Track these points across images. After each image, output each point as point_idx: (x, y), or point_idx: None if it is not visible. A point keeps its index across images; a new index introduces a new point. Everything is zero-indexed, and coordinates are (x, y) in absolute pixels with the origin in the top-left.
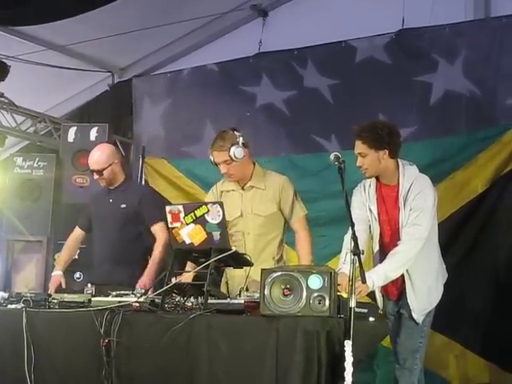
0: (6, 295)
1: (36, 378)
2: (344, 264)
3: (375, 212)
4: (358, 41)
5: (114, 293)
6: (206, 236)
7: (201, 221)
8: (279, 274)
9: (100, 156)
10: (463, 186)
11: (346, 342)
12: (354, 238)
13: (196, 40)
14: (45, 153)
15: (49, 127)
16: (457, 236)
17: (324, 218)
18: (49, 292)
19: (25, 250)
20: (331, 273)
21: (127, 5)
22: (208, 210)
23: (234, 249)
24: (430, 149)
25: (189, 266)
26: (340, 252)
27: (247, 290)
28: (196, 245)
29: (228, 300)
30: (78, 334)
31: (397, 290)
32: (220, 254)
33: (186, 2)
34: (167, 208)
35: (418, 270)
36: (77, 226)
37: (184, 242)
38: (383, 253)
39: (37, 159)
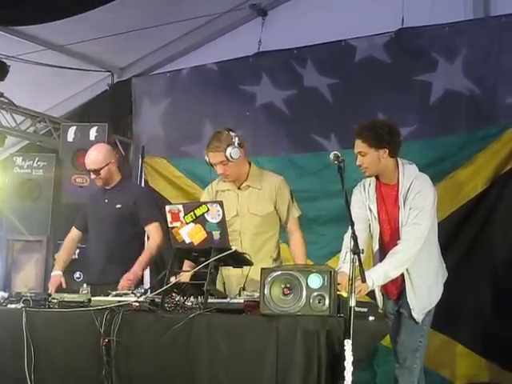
0: (5, 295)
1: (36, 378)
2: (344, 263)
3: (375, 211)
4: (358, 40)
5: (113, 292)
6: (205, 235)
7: (200, 220)
8: (279, 273)
9: (97, 156)
10: (463, 185)
11: (345, 341)
12: (354, 237)
13: (195, 39)
14: (44, 152)
15: (48, 127)
16: (457, 235)
17: (324, 217)
18: (49, 292)
19: (24, 250)
20: (331, 272)
21: (127, 4)
22: (208, 210)
23: (233, 248)
24: (429, 148)
25: (186, 265)
26: (340, 251)
27: (244, 289)
28: (196, 244)
29: (228, 299)
30: (77, 333)
31: (397, 289)
32: (220, 254)
33: (185, 2)
34: (167, 207)
35: (418, 269)
36: (73, 227)
37: (184, 241)
38: (383, 252)
39: (36, 159)
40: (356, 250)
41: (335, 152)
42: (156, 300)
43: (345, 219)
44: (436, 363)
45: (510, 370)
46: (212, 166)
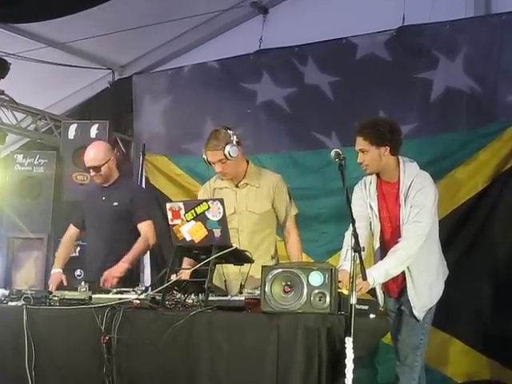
0: (6, 292)
1: (37, 375)
2: (345, 261)
3: (376, 209)
4: (359, 38)
5: (114, 290)
6: (206, 233)
7: (201, 218)
8: (280, 270)
9: (96, 153)
10: (464, 183)
11: (346, 338)
12: (355, 234)
13: (196, 37)
14: (45, 150)
15: (49, 124)
16: (457, 233)
17: (324, 214)
18: (49, 289)
19: (25, 248)
20: (332, 269)
21: (127, 2)
22: (208, 207)
23: (234, 246)
24: (430, 146)
25: (185, 262)
26: (340, 249)
27: (241, 286)
28: (196, 242)
29: (229, 297)
30: (78, 331)
31: (397, 286)
32: (221, 251)
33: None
34: (168, 205)
35: (419, 266)
36: (71, 224)
37: (184, 239)
38: (384, 250)
39: (37, 156)
40: (357, 248)
41: (336, 150)
42: (157, 298)
43: (345, 217)
44: (437, 361)
45: (511, 368)
46: (210, 164)
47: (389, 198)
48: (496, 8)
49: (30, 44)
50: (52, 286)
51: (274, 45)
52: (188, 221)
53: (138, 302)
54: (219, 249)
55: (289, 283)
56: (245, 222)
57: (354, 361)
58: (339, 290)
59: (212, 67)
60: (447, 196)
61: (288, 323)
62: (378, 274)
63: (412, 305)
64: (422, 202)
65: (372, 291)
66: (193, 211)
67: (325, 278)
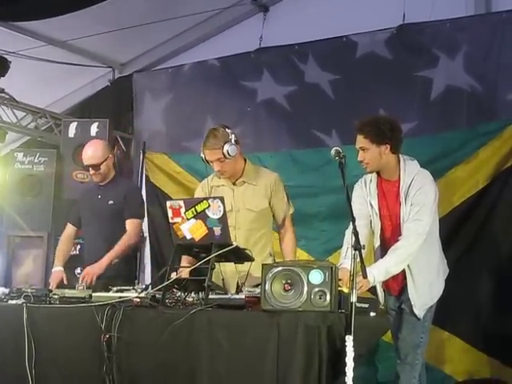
0: (6, 291)
1: (37, 374)
2: (345, 259)
3: (376, 207)
4: (359, 36)
5: (114, 288)
6: (206, 231)
7: (201, 216)
8: (280, 269)
9: (95, 151)
10: (464, 182)
11: (347, 337)
12: (355, 233)
13: (197, 35)
14: (45, 148)
15: (49, 123)
16: (458, 231)
17: (325, 213)
18: (50, 287)
19: (25, 246)
20: (332, 268)
21: (128, 0)
22: (209, 205)
23: (234, 244)
24: (430, 144)
25: (185, 260)
26: (341, 247)
27: (238, 285)
28: (197, 240)
29: (229, 295)
30: (78, 329)
31: (398, 285)
32: (221, 250)
33: None
34: (168, 203)
35: (419, 265)
36: (68, 223)
37: (185, 237)
38: (384, 248)
39: (37, 155)
40: (357, 246)
41: (336, 148)
42: (157, 296)
43: (346, 215)
44: (437, 359)
45: (511, 366)
46: (208, 162)
47: (389, 196)
48: (496, 6)
49: (31, 42)
50: (52, 284)
51: (274, 43)
52: (188, 219)
53: (138, 300)
54: (219, 247)
55: (289, 281)
56: (242, 220)
57: (355, 359)
58: (339, 288)
59: (212, 65)
60: (447, 194)
61: (288, 321)
62: (379, 272)
63: (412, 303)
64: (423, 200)
65: (372, 289)
66: (193, 209)
67: (325, 276)
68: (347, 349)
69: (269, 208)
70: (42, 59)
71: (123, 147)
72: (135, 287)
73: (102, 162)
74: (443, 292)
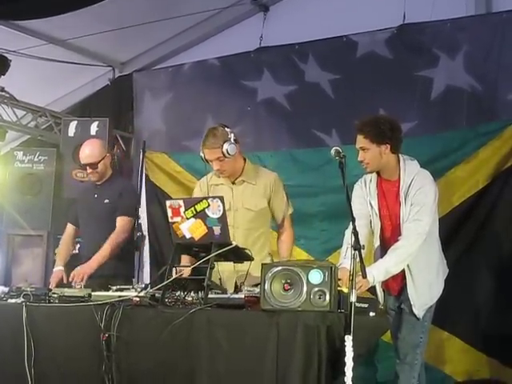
0: (6, 289)
1: (36, 373)
2: (345, 259)
3: (376, 207)
4: (360, 36)
5: (114, 287)
6: (206, 230)
7: (201, 215)
8: (280, 268)
9: (92, 150)
10: (464, 181)
11: (346, 336)
12: (355, 232)
13: (197, 34)
14: (45, 147)
15: (49, 121)
16: (457, 231)
17: (325, 212)
18: (50, 286)
19: (25, 245)
20: (332, 267)
21: None
22: (208, 205)
23: (234, 243)
24: (430, 144)
25: (184, 259)
26: (340, 247)
27: (236, 285)
28: (196, 239)
29: (228, 295)
30: (78, 328)
31: (397, 285)
32: (220, 249)
33: None
34: (168, 202)
35: (419, 265)
36: (68, 223)
37: (184, 236)
38: (384, 248)
39: (37, 153)
40: (357, 246)
41: (336, 147)
42: (156, 295)
43: (346, 215)
44: (437, 359)
45: (511, 367)
46: (208, 162)
47: (389, 196)
48: (497, 6)
49: (31, 41)
50: (52, 283)
51: (274, 42)
52: (188, 218)
53: (137, 299)
54: (219, 246)
55: (288, 281)
56: (240, 219)
57: (354, 359)
58: (339, 288)
59: (213, 65)
60: (447, 194)
61: (288, 321)
62: (378, 272)
63: (412, 303)
64: (423, 200)
65: (372, 289)
66: (193, 209)
67: (324, 276)
68: (346, 349)
69: (268, 207)
70: (43, 58)
71: (123, 146)
72: (134, 286)
73: (100, 161)
74: (443, 292)
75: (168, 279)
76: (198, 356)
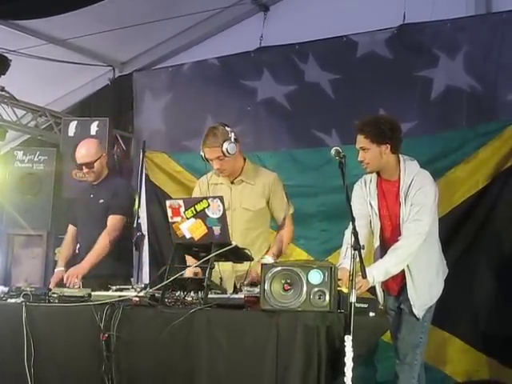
0: (5, 289)
1: (36, 373)
2: (344, 259)
3: (376, 207)
4: (360, 36)
5: (113, 287)
6: (206, 230)
7: (201, 215)
8: (279, 268)
9: (88, 150)
10: (464, 181)
11: (346, 337)
12: (355, 233)
13: (197, 34)
14: (45, 147)
15: (49, 121)
16: (457, 231)
17: (324, 212)
18: (49, 286)
19: (25, 244)
20: (331, 268)
21: None
22: (208, 205)
23: (234, 243)
24: (430, 144)
25: (189, 260)
26: (340, 247)
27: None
28: (196, 239)
29: (228, 295)
30: (77, 328)
31: (397, 285)
32: (220, 249)
33: None
34: (167, 202)
35: (419, 265)
36: (69, 224)
37: (184, 236)
38: (384, 248)
39: (37, 153)
40: (357, 246)
41: (336, 147)
42: (156, 295)
43: (346, 215)
44: (436, 359)
45: (510, 367)
46: (208, 161)
47: (389, 196)
48: (497, 6)
49: (31, 41)
50: (52, 284)
51: (274, 42)
52: (188, 218)
53: (137, 299)
54: (219, 246)
55: (288, 281)
56: (238, 219)
57: (354, 359)
58: (339, 289)
59: (212, 64)
60: (447, 194)
61: (287, 321)
62: (378, 272)
63: (412, 303)
64: (423, 200)
65: (372, 289)
66: (193, 209)
67: (324, 276)
68: (346, 349)
69: (266, 207)
70: (43, 58)
71: (123, 146)
72: (134, 286)
73: (96, 160)
74: (443, 292)
75: (168, 279)
76: (197, 356)
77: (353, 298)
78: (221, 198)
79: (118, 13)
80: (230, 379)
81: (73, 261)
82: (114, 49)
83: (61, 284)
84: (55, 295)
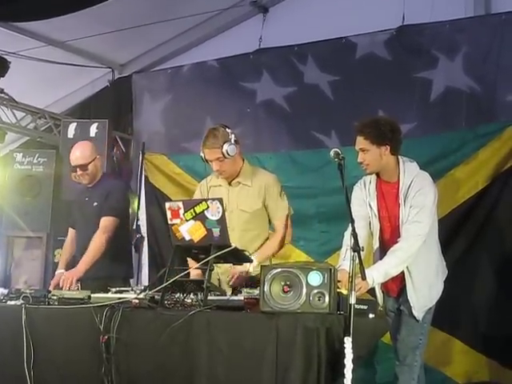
0: (5, 291)
1: (35, 375)
2: (344, 260)
3: (375, 208)
4: (359, 37)
5: (113, 289)
6: (205, 232)
7: (200, 217)
8: (279, 270)
9: (83, 152)
10: (464, 183)
11: (345, 338)
12: (354, 234)
13: (196, 36)
14: (45, 149)
15: (49, 123)
16: (457, 232)
17: (324, 214)
18: (49, 288)
19: (25, 246)
20: (331, 269)
21: (127, 1)
22: (208, 207)
23: (233, 245)
24: (430, 145)
25: (192, 263)
26: (340, 248)
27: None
28: (196, 241)
29: (228, 297)
30: (77, 330)
31: (397, 286)
32: (220, 251)
33: None
34: (167, 204)
35: (418, 266)
36: (69, 227)
37: (184, 238)
38: (383, 249)
39: (37, 155)
40: (356, 248)
41: (335, 149)
42: (156, 297)
43: (345, 216)
44: (436, 361)
45: (510, 368)
46: (207, 162)
47: (388, 197)
48: (496, 8)
49: (30, 43)
50: (51, 286)
51: (273, 44)
52: (187, 220)
53: (136, 301)
54: (218, 248)
55: (288, 283)
56: (236, 221)
57: (353, 361)
58: (338, 290)
59: (212, 66)
60: (447, 195)
61: (287, 323)
62: (378, 273)
63: (411, 305)
64: (422, 202)
65: (371, 291)
66: (192, 210)
67: (324, 277)
68: (346, 350)
69: (263, 209)
70: (42, 60)
71: (123, 148)
72: (134, 288)
73: (90, 163)
74: (442, 293)
75: (167, 281)
76: (197, 358)
77: (352, 300)
78: (220, 200)
79: (117, 15)
80: (230, 381)
81: (72, 263)
82: (113, 50)
83: (59, 286)
84: (55, 297)
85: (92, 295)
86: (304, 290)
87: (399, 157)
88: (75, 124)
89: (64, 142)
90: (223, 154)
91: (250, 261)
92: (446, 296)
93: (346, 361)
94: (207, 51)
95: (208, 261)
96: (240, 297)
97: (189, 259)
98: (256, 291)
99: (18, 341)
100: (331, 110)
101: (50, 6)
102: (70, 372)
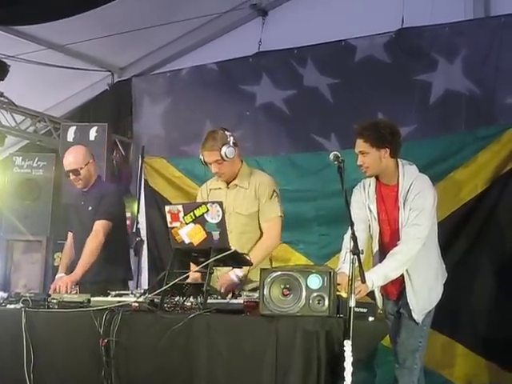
0: (5, 295)
1: (35, 378)
2: (343, 263)
3: (375, 211)
4: (358, 40)
5: (113, 293)
6: (205, 236)
7: (200, 220)
8: (278, 273)
9: (76, 156)
10: (463, 185)
11: (345, 341)
12: (354, 237)
13: (195, 39)
14: (44, 152)
15: (48, 127)
16: (457, 235)
17: (323, 217)
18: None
19: (24, 250)
20: (330, 272)
21: (126, 4)
22: (207, 210)
23: (233, 248)
24: (429, 147)
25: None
26: (340, 251)
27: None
28: (195, 244)
29: (227, 300)
30: (77, 334)
31: (396, 289)
32: (219, 254)
33: (185, 2)
34: (167, 208)
35: (418, 269)
36: (68, 231)
37: (183, 241)
38: (383, 252)
39: (36, 159)
40: (356, 251)
41: (335, 152)
42: (155, 300)
43: (345, 219)
44: (436, 363)
45: (510, 371)
46: (206, 164)
47: (388, 200)
48: (495, 10)
49: (30, 46)
50: (51, 290)
51: (273, 47)
52: (187, 223)
53: (136, 304)
54: (218, 251)
55: (287, 286)
56: (233, 223)
57: (353, 364)
58: (338, 293)
59: (211, 69)
60: (447, 198)
61: (287, 326)
62: (377, 276)
63: (411, 308)
64: (421, 204)
65: (371, 294)
66: (192, 214)
67: (323, 281)
68: (346, 353)
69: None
70: (42, 63)
71: (122, 151)
72: (133, 292)
73: (83, 167)
74: (442, 296)
75: (167, 284)
76: (196, 361)
77: (352, 303)
78: (220, 203)
79: (116, 18)
80: None
81: (72, 267)
82: (113, 54)
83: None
84: (55, 301)
85: (92, 299)
86: (303, 293)
87: (399, 160)
88: (75, 127)
89: (63, 146)
90: (222, 157)
91: (250, 264)
92: (445, 299)
93: (345, 364)
94: (207, 54)
95: (208, 264)
96: (240, 300)
97: (192, 264)
98: (256, 294)
99: (17, 344)
100: (331, 113)
101: (50, 10)
102: (70, 375)
